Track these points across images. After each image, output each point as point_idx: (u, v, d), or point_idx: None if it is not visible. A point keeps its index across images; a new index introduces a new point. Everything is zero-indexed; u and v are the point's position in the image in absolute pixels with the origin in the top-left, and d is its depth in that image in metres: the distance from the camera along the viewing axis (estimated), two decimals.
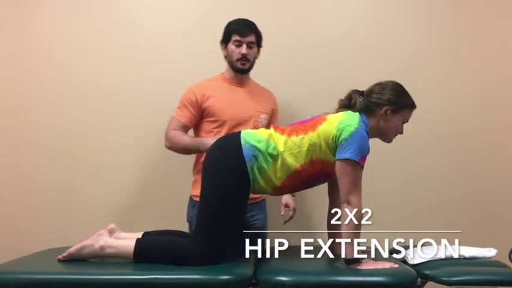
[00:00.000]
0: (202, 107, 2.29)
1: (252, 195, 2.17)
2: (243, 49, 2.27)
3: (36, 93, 2.71)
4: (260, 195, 2.33)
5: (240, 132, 1.93)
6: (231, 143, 1.90)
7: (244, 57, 2.28)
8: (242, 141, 1.86)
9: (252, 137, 1.88)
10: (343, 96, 1.99)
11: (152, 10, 2.74)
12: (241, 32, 2.27)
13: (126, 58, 2.70)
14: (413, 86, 1.97)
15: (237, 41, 2.28)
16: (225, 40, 2.33)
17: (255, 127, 2.25)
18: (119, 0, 2.75)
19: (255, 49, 2.32)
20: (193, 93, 2.30)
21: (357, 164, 1.78)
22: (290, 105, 2.61)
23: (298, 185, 1.93)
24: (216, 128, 2.28)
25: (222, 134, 2.23)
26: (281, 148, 1.84)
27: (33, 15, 2.72)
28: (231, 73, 2.36)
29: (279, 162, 1.84)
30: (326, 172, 1.88)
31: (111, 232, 1.90)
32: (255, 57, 2.34)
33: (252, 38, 2.28)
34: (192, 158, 2.38)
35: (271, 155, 1.84)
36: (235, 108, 2.28)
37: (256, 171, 1.84)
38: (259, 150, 1.84)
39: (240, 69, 2.31)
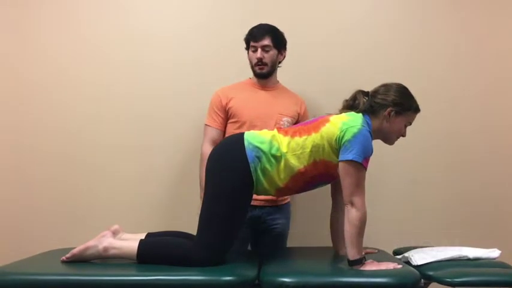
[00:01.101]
0: (226, 108, 2.33)
1: (275, 198, 2.18)
2: (258, 53, 2.30)
3: (37, 95, 2.71)
4: (284, 197, 2.33)
5: (243, 133, 1.93)
6: (234, 143, 1.90)
7: (260, 61, 2.30)
8: (245, 142, 1.86)
9: (255, 138, 1.88)
10: (344, 96, 1.99)
11: (155, 12, 2.73)
12: (255, 37, 2.30)
13: (127, 60, 2.71)
14: (414, 86, 1.97)
15: (252, 46, 2.32)
16: (247, 48, 2.37)
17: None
18: (121, 3, 2.75)
19: (272, 52, 2.31)
20: (219, 96, 2.35)
21: (360, 165, 1.78)
22: None
23: (301, 187, 1.93)
24: (237, 129, 2.28)
25: None
26: (284, 149, 1.85)
27: (35, 17, 2.72)
28: (254, 78, 2.39)
29: (282, 163, 1.84)
30: (329, 173, 1.88)
31: (114, 233, 1.91)
32: (275, 61, 2.34)
33: (266, 41, 2.29)
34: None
35: (274, 156, 1.84)
36: (256, 110, 2.29)
37: (259, 172, 1.84)
38: (262, 151, 1.84)
39: (259, 74, 2.34)
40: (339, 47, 2.72)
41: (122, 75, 2.71)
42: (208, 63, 2.67)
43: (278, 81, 2.43)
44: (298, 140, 1.85)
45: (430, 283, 1.90)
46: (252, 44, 2.32)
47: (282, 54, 2.37)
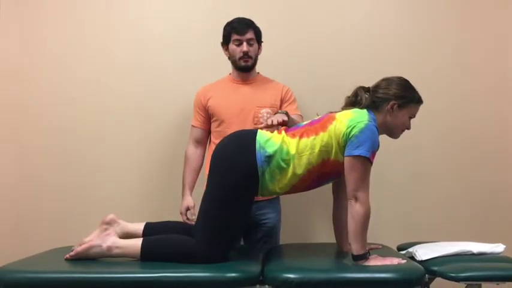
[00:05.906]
0: (206, 107, 2.36)
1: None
2: (244, 47, 2.31)
3: (39, 95, 2.72)
4: None
5: (255, 133, 1.88)
6: (245, 143, 1.86)
7: (246, 55, 2.32)
8: (257, 145, 1.83)
9: (267, 142, 1.84)
10: (344, 93, 1.98)
11: (156, 11, 2.74)
12: (240, 31, 2.31)
13: (129, 59, 2.72)
14: (417, 81, 1.96)
15: (236, 40, 2.31)
16: (226, 41, 2.36)
17: (257, 123, 2.25)
18: (124, 2, 2.75)
19: (255, 45, 2.35)
20: (199, 95, 2.40)
21: (366, 160, 1.77)
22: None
23: (308, 185, 1.90)
24: (217, 127, 2.33)
25: (225, 134, 2.16)
26: (293, 151, 1.82)
27: (37, 16, 2.73)
28: (235, 73, 2.40)
29: (291, 166, 1.82)
30: (336, 171, 1.86)
31: (110, 223, 1.89)
32: (257, 54, 2.37)
33: (250, 34, 2.31)
34: None
35: (284, 160, 1.82)
36: (233, 108, 2.30)
37: (266, 176, 1.82)
38: (272, 155, 1.82)
39: (244, 67, 2.34)
40: (340, 45, 2.72)
41: (124, 73, 2.71)
42: (210, 64, 2.66)
43: (258, 73, 2.44)
44: (306, 140, 1.84)
45: (434, 278, 1.90)
46: (236, 37, 2.31)
47: (260, 48, 2.39)
